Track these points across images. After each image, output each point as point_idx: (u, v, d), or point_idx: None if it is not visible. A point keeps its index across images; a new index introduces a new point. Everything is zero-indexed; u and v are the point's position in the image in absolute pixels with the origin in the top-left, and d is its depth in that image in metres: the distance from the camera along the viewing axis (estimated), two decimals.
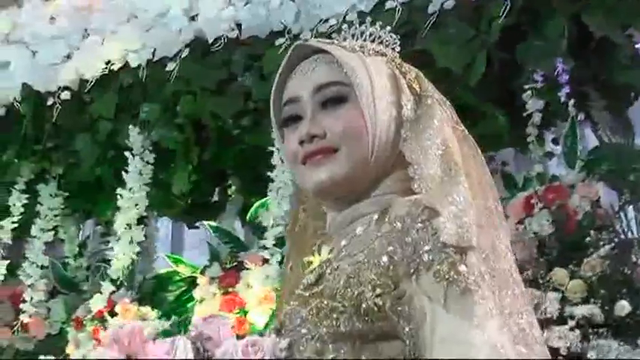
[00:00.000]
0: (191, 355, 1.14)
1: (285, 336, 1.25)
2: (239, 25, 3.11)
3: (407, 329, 1.18)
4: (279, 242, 2.94)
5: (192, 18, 3.26)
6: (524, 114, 2.81)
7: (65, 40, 3.57)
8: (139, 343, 1.14)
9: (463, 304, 1.13)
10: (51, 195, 3.66)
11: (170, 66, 3.19)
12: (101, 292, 3.26)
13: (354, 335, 1.20)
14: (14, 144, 3.60)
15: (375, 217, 1.28)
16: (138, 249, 3.30)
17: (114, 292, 3.26)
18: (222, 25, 3.10)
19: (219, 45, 3.10)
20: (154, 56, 3.27)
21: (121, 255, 3.26)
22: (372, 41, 1.40)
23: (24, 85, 3.54)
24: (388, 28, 1.43)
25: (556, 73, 2.74)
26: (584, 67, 2.84)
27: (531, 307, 1.29)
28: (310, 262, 1.31)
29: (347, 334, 1.20)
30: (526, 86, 2.78)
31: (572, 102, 2.70)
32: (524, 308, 1.25)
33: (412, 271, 1.17)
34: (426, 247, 1.17)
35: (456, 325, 1.12)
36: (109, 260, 3.41)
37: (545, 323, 2.44)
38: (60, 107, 3.46)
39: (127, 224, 3.27)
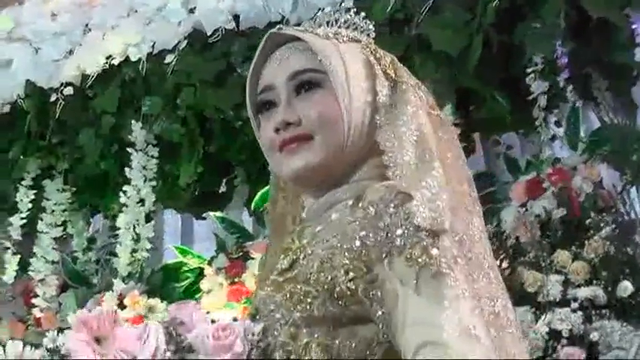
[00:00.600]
0: (163, 339, 1.15)
1: (259, 321, 1.25)
2: (237, 17, 3.12)
3: (379, 313, 1.19)
4: None
5: (191, 11, 3.26)
6: (529, 97, 2.79)
7: (67, 36, 3.58)
8: (107, 327, 1.14)
9: (435, 287, 1.13)
10: (58, 190, 3.67)
11: (169, 59, 3.19)
12: (112, 290, 3.28)
13: (328, 319, 1.21)
14: (20, 140, 3.62)
15: (350, 202, 1.28)
16: (148, 245, 3.31)
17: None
18: (220, 16, 3.10)
19: (218, 37, 3.10)
20: (153, 49, 3.28)
21: (125, 253, 3.27)
22: (347, 28, 1.40)
23: (27, 82, 3.56)
24: (363, 14, 1.42)
25: (555, 56, 2.73)
26: (584, 48, 2.82)
27: (506, 291, 1.29)
28: (288, 249, 1.31)
29: (320, 318, 1.21)
30: (528, 69, 2.77)
31: (571, 86, 2.69)
32: (500, 292, 1.25)
33: (384, 255, 1.17)
34: (399, 232, 1.17)
35: (427, 308, 1.13)
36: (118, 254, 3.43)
37: (548, 306, 2.45)
38: (63, 103, 3.47)
39: (136, 220, 3.28)
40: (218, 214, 3.52)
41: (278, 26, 1.40)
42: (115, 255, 3.48)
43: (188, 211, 3.81)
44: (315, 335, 1.21)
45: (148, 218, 3.31)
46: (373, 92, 1.33)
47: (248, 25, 3.10)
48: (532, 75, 2.76)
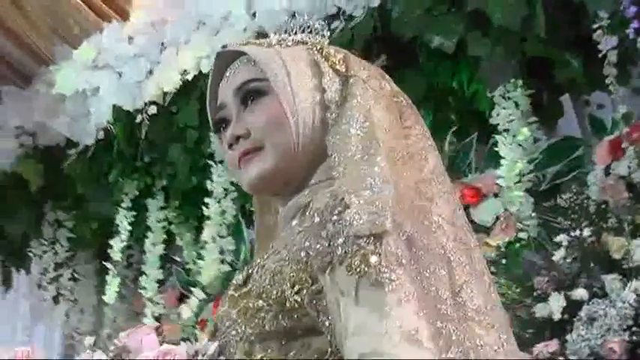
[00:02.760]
0: None
1: (217, 338, 1.24)
2: (294, 14, 3.10)
3: (327, 324, 1.16)
4: None
5: (254, 15, 3.27)
6: (600, 55, 2.66)
7: (145, 57, 3.66)
8: None
9: (375, 295, 1.09)
10: (161, 208, 3.76)
11: None
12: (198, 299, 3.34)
13: (281, 333, 1.19)
14: (117, 164, 3.73)
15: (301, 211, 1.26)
16: (229, 258, 3.34)
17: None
18: (279, 16, 3.09)
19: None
20: None
21: (208, 266, 3.32)
22: (303, 32, 1.38)
23: (114, 106, 3.66)
24: (315, 16, 1.39)
25: (622, 7, 2.59)
26: None
27: (484, 275, 1.23)
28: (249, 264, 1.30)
29: (273, 332, 1.19)
30: (594, 25, 2.64)
31: None
32: (472, 278, 1.19)
33: (327, 265, 1.14)
34: (340, 240, 1.13)
35: (368, 316, 1.08)
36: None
37: (634, 272, 2.33)
38: (149, 122, 3.55)
39: (218, 234, 3.32)
40: None
41: (222, 45, 1.39)
42: None
43: None
44: (269, 350, 1.20)
45: (230, 231, 3.34)
46: (321, 90, 1.30)
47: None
48: (599, 32, 2.62)
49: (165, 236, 3.76)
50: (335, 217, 1.15)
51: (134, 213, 3.73)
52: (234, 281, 1.30)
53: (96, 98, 3.80)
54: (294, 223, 1.28)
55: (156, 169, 3.69)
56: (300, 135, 1.29)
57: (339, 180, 1.19)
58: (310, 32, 1.38)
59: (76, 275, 4.23)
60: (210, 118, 1.42)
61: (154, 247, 3.67)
